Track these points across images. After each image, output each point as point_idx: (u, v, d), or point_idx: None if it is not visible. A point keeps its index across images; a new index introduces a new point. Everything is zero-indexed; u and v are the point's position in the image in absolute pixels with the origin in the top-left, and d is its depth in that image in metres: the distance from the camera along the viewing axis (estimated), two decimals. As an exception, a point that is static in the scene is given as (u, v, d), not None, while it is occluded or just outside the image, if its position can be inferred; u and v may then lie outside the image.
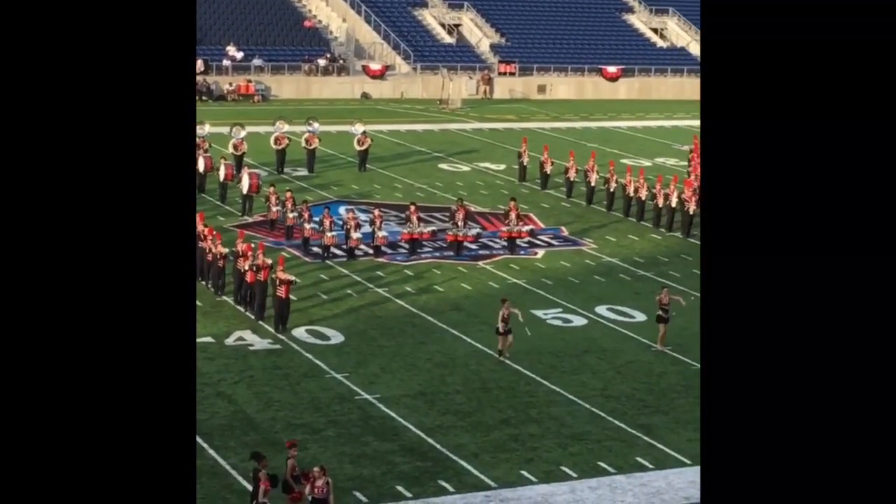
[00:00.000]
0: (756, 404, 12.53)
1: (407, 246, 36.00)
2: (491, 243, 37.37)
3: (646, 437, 23.25)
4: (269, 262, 29.22)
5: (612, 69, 76.56)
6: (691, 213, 39.37)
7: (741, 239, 12.76)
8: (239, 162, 43.95)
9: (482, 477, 21.31)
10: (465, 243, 36.36)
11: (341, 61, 72.49)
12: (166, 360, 12.47)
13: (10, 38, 12.42)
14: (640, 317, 30.59)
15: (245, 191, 39.85)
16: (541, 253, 36.88)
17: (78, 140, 12.45)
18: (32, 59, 12.44)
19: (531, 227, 38.57)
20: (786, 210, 12.68)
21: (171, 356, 12.51)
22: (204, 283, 31.10)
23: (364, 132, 48.34)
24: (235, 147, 44.77)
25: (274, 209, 37.48)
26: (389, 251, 35.80)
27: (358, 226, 35.23)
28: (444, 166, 50.20)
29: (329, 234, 34.74)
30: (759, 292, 12.66)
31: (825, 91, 12.72)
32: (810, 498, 12.29)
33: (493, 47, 76.75)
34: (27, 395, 12.11)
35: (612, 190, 42.45)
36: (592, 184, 43.29)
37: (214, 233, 31.75)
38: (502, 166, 50.07)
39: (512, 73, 74.81)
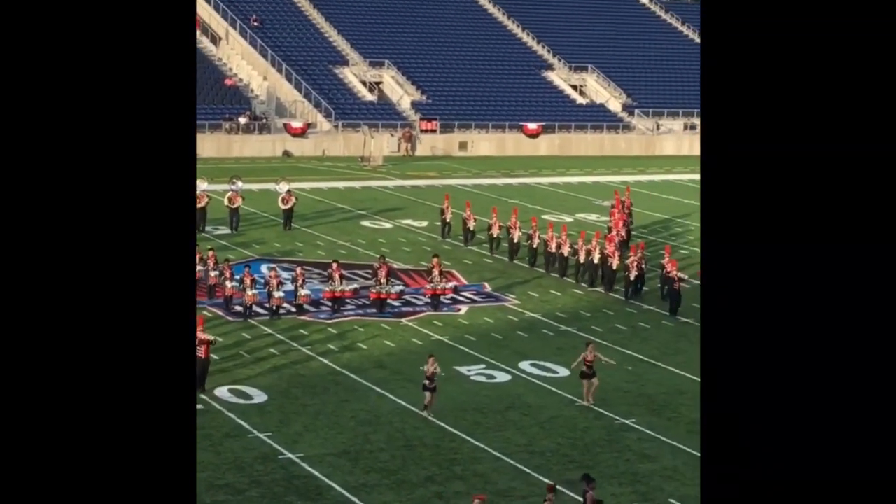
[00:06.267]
0: (756, 439, 12.52)
1: (330, 304, 35.89)
2: (414, 300, 37.36)
3: (571, 493, 23.24)
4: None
5: (532, 126, 77.22)
6: (613, 268, 39.63)
7: (742, 263, 12.79)
8: (160, 221, 43.73)
9: (407, 535, 21.20)
10: (389, 300, 36.33)
11: (262, 119, 72.47)
12: (167, 375, 12.47)
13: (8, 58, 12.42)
14: (563, 372, 30.67)
15: (166, 249, 39.52)
16: (464, 309, 36.92)
17: (77, 172, 12.51)
18: (34, 80, 12.49)
19: (454, 283, 38.62)
20: (787, 231, 12.70)
21: (172, 374, 12.52)
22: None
23: (289, 190, 48.29)
24: (156, 206, 44.44)
25: (197, 268, 37.24)
26: (312, 309, 35.67)
27: (280, 284, 35.09)
28: (366, 223, 50.22)
29: (250, 293, 34.55)
30: (758, 321, 12.67)
31: (826, 116, 12.76)
32: None
33: (414, 104, 77.13)
34: (28, 398, 12.05)
35: (534, 246, 42.68)
36: (515, 240, 43.51)
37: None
38: (425, 223, 50.19)
39: (433, 130, 75.21)
